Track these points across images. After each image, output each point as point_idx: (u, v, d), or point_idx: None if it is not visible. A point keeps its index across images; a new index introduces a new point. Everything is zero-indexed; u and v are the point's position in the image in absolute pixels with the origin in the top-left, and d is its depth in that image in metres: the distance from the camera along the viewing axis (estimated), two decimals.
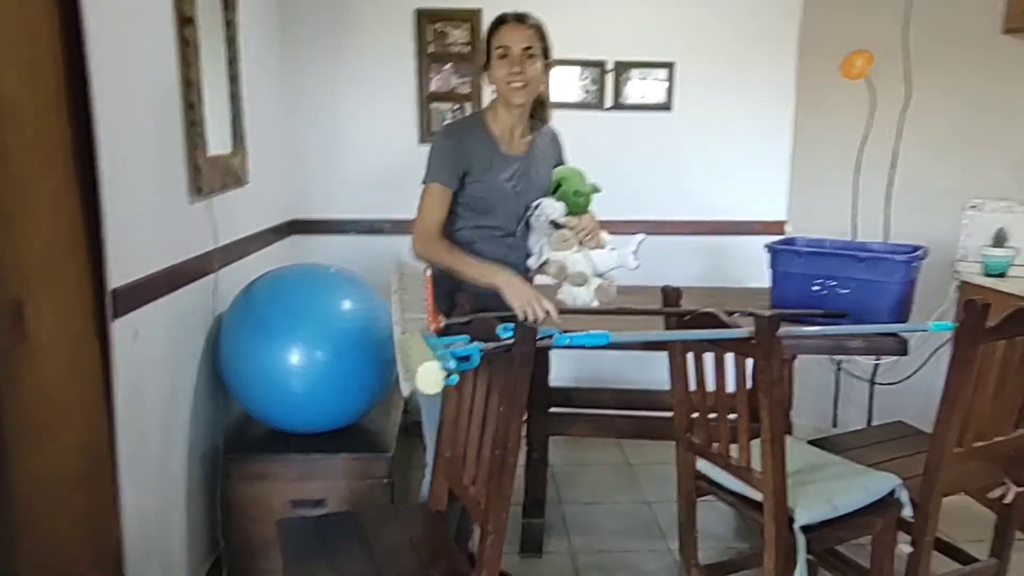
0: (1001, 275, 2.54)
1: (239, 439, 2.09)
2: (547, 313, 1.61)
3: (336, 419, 2.05)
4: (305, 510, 1.94)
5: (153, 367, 1.72)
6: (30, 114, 1.31)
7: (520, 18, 1.71)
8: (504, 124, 1.76)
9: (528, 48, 1.69)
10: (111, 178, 1.49)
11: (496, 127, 1.77)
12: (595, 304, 1.74)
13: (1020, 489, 1.76)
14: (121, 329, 1.54)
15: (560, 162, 1.92)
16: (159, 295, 1.72)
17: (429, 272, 1.61)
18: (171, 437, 1.82)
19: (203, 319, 2.01)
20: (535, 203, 1.79)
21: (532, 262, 1.81)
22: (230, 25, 2.17)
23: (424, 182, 1.75)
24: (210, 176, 1.97)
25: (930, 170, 2.76)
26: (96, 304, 1.49)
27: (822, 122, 3.00)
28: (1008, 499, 1.77)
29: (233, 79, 2.20)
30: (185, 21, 1.82)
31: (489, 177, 1.74)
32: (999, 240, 2.60)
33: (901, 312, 1.98)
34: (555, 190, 1.82)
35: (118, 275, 1.53)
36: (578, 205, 1.81)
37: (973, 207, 2.68)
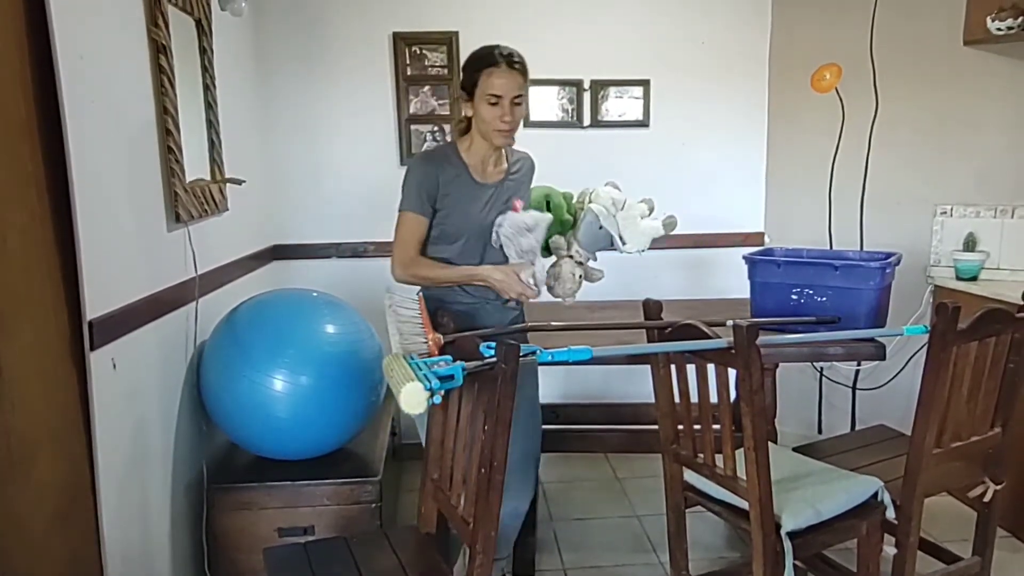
0: (973, 279, 2.59)
1: (224, 468, 2.06)
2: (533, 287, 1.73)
3: (322, 444, 2.03)
4: (293, 538, 1.91)
5: (133, 398, 1.69)
6: None
7: (512, 63, 1.70)
8: (478, 155, 1.80)
9: (518, 96, 1.71)
10: (87, 207, 1.49)
11: (469, 156, 1.80)
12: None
13: (999, 487, 1.79)
14: (99, 360, 1.53)
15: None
16: (138, 325, 1.70)
17: (420, 292, 1.62)
18: (153, 469, 1.80)
19: (184, 348, 1.99)
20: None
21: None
22: (205, 52, 2.18)
23: (400, 209, 1.79)
24: (188, 203, 1.97)
25: (900, 179, 2.83)
26: (73, 335, 1.47)
27: (796, 134, 3.07)
28: (987, 497, 1.80)
29: (209, 106, 2.21)
30: (160, 49, 1.82)
31: (460, 205, 1.77)
32: (969, 245, 2.66)
33: (877, 318, 2.01)
34: (547, 207, 1.91)
35: (95, 305, 1.51)
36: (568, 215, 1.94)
37: (943, 213, 2.75)
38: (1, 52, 1.31)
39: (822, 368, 3.04)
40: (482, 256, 1.81)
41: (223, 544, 1.97)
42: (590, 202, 1.88)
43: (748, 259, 2.16)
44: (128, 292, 1.67)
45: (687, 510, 1.79)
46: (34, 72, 1.38)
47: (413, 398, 1.27)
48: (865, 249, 2.73)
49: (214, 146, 2.23)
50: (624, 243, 1.82)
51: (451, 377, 1.33)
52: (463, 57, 2.89)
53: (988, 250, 2.64)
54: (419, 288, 1.76)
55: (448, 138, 2.99)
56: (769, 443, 1.52)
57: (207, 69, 2.19)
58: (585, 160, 3.07)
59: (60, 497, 1.44)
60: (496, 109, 1.69)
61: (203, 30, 2.16)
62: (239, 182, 2.31)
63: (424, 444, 1.79)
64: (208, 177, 2.19)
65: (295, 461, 2.02)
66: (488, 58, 1.70)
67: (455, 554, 1.90)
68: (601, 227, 1.82)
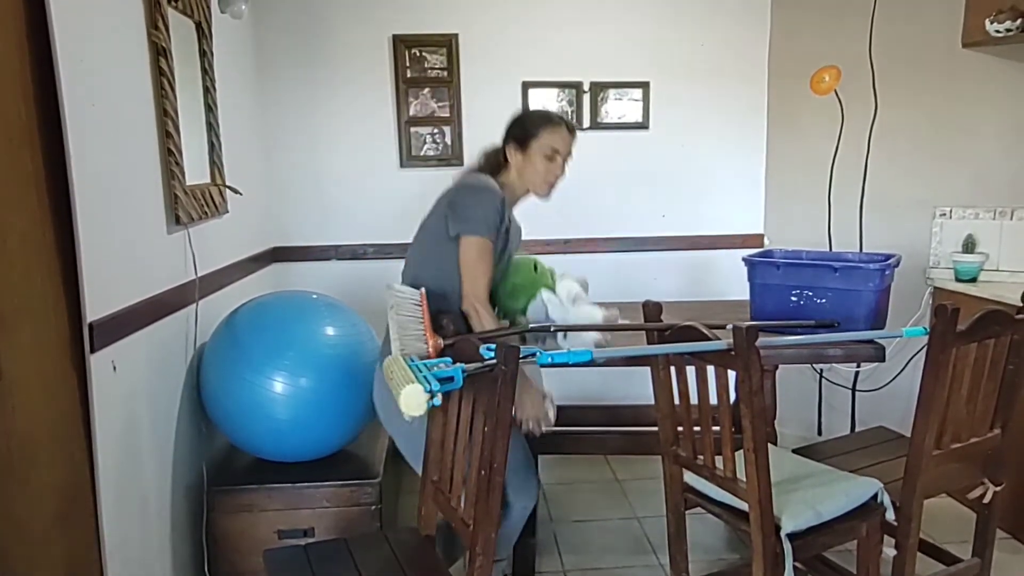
0: (972, 280, 2.60)
1: (224, 470, 2.06)
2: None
3: (322, 446, 2.03)
4: (293, 540, 1.91)
5: (133, 401, 1.70)
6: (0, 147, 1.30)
7: (571, 129, 1.85)
8: (510, 197, 1.84)
9: (568, 154, 1.84)
10: (87, 209, 1.49)
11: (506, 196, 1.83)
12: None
13: (998, 488, 1.79)
14: (99, 363, 1.53)
15: None
16: (138, 327, 1.71)
17: (423, 290, 1.62)
18: (153, 471, 1.80)
19: (184, 350, 1.99)
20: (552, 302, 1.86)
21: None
22: (205, 55, 2.18)
23: (468, 234, 1.70)
24: (188, 206, 1.97)
25: (900, 180, 2.83)
26: (73, 338, 1.48)
27: (795, 137, 3.07)
28: (987, 499, 1.80)
29: (209, 108, 2.21)
30: (160, 51, 1.83)
31: (501, 244, 1.78)
32: (968, 246, 2.67)
33: (877, 319, 2.01)
34: (534, 269, 1.93)
35: (95, 308, 1.52)
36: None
37: (942, 215, 2.75)
38: (1, 54, 1.31)
39: (822, 370, 3.05)
40: (490, 296, 1.82)
41: (223, 546, 1.97)
42: (553, 281, 1.88)
43: (748, 261, 2.16)
44: (128, 294, 1.67)
45: (687, 512, 1.78)
46: (34, 75, 1.38)
47: (413, 400, 1.27)
48: (864, 251, 2.73)
49: (214, 148, 2.24)
50: (566, 340, 1.80)
51: (451, 379, 1.33)
52: (463, 59, 2.95)
53: (987, 252, 2.65)
54: (421, 286, 1.75)
55: (448, 139, 3.00)
56: (769, 445, 1.52)
57: (207, 72, 2.20)
58: (585, 162, 3.06)
59: (60, 499, 1.45)
60: (552, 164, 1.81)
61: (203, 33, 2.16)
62: (236, 192, 2.31)
63: (401, 451, 1.80)
64: (208, 179, 2.20)
65: (295, 463, 2.03)
66: (552, 119, 1.84)
67: (457, 552, 1.90)
68: (548, 316, 1.83)
